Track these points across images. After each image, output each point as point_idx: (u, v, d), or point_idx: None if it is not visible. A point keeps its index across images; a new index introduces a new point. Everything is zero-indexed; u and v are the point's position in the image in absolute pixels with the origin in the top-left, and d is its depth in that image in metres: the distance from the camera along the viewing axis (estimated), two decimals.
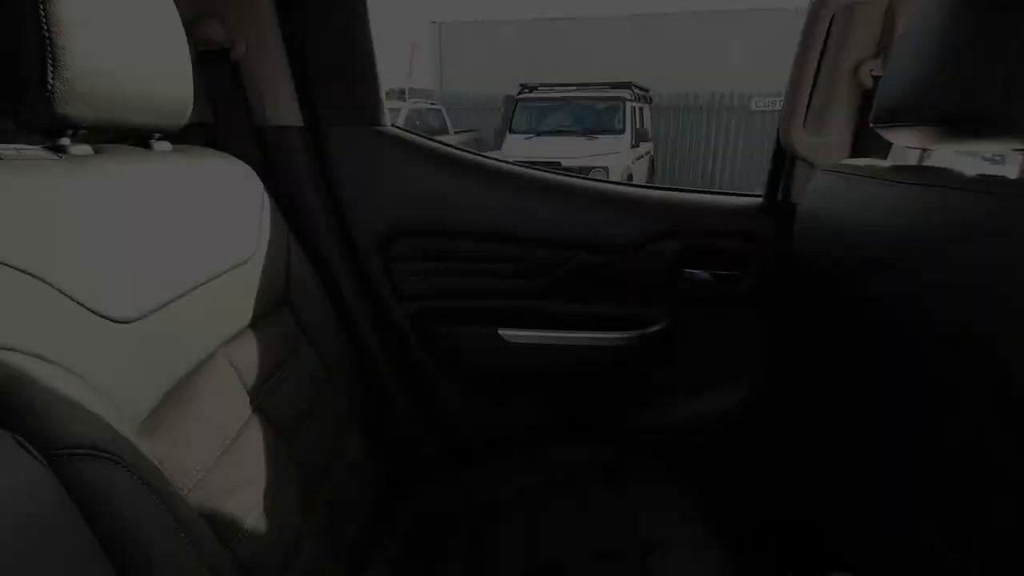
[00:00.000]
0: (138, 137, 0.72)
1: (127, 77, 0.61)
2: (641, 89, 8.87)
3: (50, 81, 0.54)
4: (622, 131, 7.41)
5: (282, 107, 1.02)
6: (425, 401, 1.19)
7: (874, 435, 0.77)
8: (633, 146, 7.48)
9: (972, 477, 0.58)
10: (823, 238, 0.81)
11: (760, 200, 1.14)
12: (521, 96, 8.18)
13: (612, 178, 6.42)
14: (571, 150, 6.80)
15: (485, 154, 1.18)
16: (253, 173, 0.88)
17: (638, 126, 7.93)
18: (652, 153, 9.22)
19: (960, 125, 0.57)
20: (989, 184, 0.57)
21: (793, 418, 1.12)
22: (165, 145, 0.75)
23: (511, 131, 7.93)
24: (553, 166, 6.26)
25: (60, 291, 0.49)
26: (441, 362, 1.18)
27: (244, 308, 0.77)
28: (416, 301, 1.16)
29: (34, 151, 0.57)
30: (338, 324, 1.01)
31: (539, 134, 7.74)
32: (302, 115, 1.04)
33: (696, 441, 1.18)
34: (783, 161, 1.09)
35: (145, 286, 0.59)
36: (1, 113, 0.56)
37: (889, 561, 0.78)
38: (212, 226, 0.73)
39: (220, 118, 0.95)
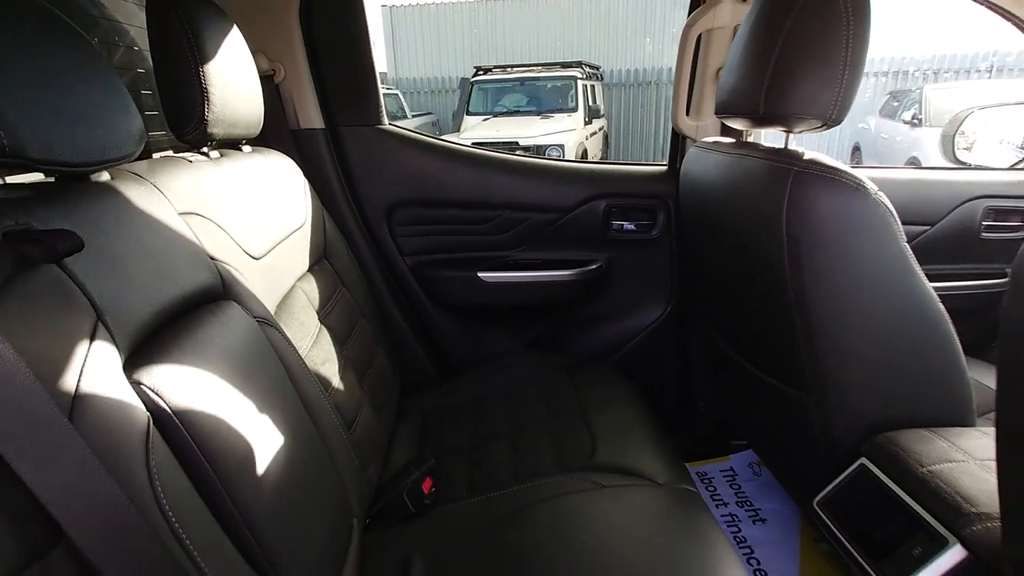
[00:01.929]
0: (234, 144, 1.08)
1: (236, 109, 0.97)
2: (591, 67, 9.18)
3: (205, 116, 0.90)
4: (575, 109, 7.73)
5: (309, 115, 1.38)
6: (424, 330, 1.58)
7: (737, 328, 1.19)
8: (587, 123, 7.78)
9: (786, 338, 0.97)
10: (692, 193, 1.22)
11: (665, 168, 1.55)
12: (476, 78, 8.40)
13: (568, 155, 6.80)
14: (527, 130, 7.10)
15: (444, 138, 1.56)
16: (295, 165, 1.24)
17: (591, 103, 8.21)
18: (606, 129, 9.58)
19: (751, 116, 0.96)
20: (762, 151, 0.98)
21: (696, 324, 1.55)
22: (248, 148, 1.11)
23: (468, 113, 8.18)
24: (511, 146, 6.63)
25: (227, 232, 0.87)
26: (435, 300, 1.57)
27: (303, 258, 1.14)
28: (415, 256, 1.54)
29: (196, 156, 0.93)
30: (359, 274, 1.38)
31: (496, 115, 8.03)
32: (323, 120, 1.40)
33: (629, 346, 1.60)
34: (677, 139, 1.50)
35: (258, 236, 0.96)
36: (175, 135, 0.91)
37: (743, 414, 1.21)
38: (281, 201, 1.10)
39: (267, 126, 1.31)
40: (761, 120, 0.94)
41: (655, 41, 10.47)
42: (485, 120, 7.85)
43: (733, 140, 1.20)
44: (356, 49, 1.39)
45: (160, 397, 0.57)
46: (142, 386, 0.56)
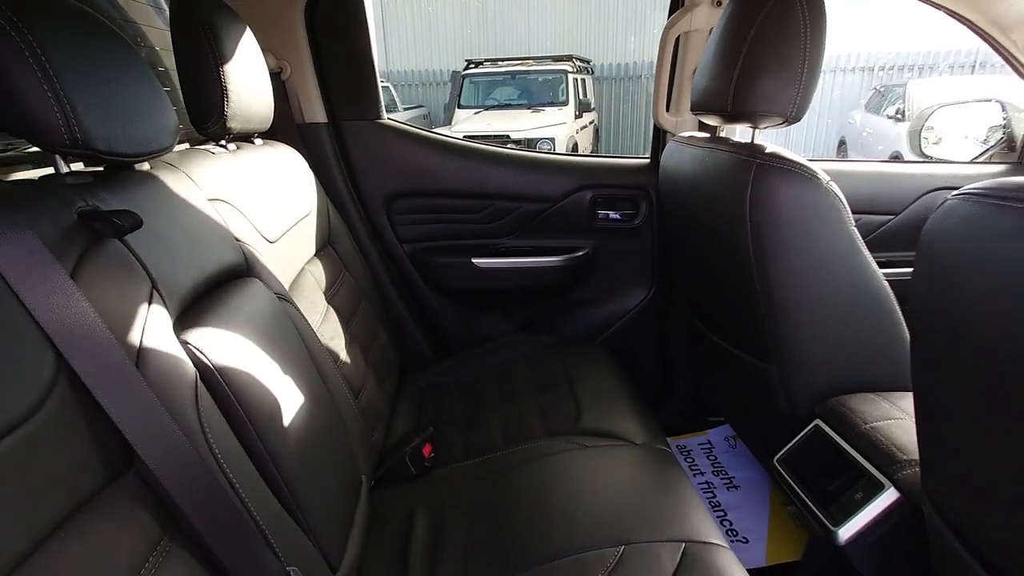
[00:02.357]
0: (247, 137, 1.17)
1: (250, 105, 1.06)
2: (582, 61, 9.26)
3: (225, 112, 0.99)
4: (566, 102, 7.81)
5: (313, 110, 1.47)
6: (422, 313, 1.67)
7: (710, 307, 1.30)
8: (577, 116, 7.86)
9: (752, 313, 1.07)
10: (670, 184, 1.32)
11: (647, 161, 1.65)
12: (467, 71, 8.46)
13: (559, 148, 6.88)
14: (518, 123, 7.18)
15: (437, 131, 1.66)
16: (301, 157, 1.33)
17: (581, 97, 8.28)
18: (596, 123, 9.67)
19: (721, 113, 1.06)
20: (730, 145, 1.08)
21: (675, 306, 1.66)
22: (259, 141, 1.20)
23: (460, 106, 8.23)
24: (502, 139, 6.71)
25: (247, 217, 0.96)
26: (432, 285, 1.66)
27: (311, 244, 1.24)
28: (412, 243, 1.63)
29: (216, 148, 1.02)
30: (361, 260, 1.48)
31: (487, 108, 8.09)
32: (326, 115, 1.49)
33: (614, 328, 1.71)
34: (658, 134, 1.60)
35: (273, 222, 1.05)
36: (197, 129, 1.00)
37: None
38: (290, 190, 1.19)
39: (275, 120, 1.40)
40: (730, 117, 1.05)
41: (639, 38, 10.53)
42: (476, 113, 7.91)
43: (708, 135, 1.30)
44: (357, 48, 1.47)
45: (204, 355, 0.66)
46: (189, 345, 0.65)
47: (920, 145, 2.16)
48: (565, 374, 1.38)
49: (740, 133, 1.37)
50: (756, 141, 1.07)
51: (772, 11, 0.94)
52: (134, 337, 0.59)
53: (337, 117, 1.51)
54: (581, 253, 1.66)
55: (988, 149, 1.84)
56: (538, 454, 1.07)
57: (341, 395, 1.02)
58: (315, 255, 1.25)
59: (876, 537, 0.86)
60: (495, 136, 6.86)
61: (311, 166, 1.35)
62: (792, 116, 0.99)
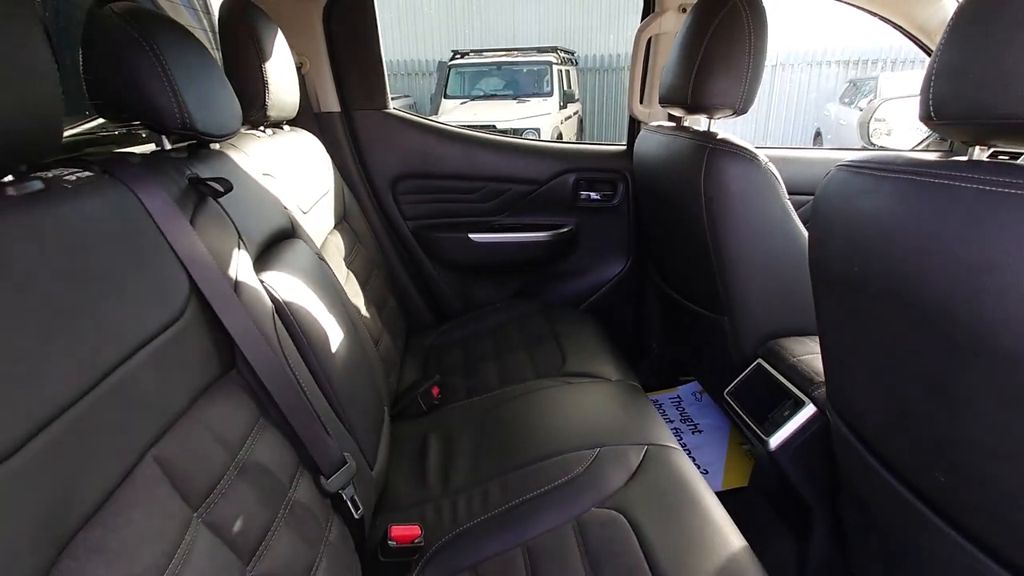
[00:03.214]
0: (278, 124, 1.35)
1: (284, 97, 1.25)
2: (566, 52, 9.41)
3: (266, 102, 1.17)
4: (551, 93, 7.96)
5: (328, 100, 1.65)
6: (424, 283, 1.88)
7: (675, 271, 1.52)
8: (562, 107, 8.03)
9: (707, 273, 1.30)
10: (642, 167, 1.53)
11: (624, 147, 1.86)
12: (454, 62, 8.57)
13: (544, 138, 7.07)
14: (504, 113, 7.33)
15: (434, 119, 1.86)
16: (319, 142, 1.51)
17: (566, 88, 8.43)
18: (580, 113, 9.86)
19: (683, 106, 1.27)
20: (690, 132, 1.29)
21: (648, 276, 1.88)
22: (287, 127, 1.39)
23: (446, 96, 8.36)
24: (489, 129, 6.85)
25: (287, 189, 1.15)
26: (433, 258, 1.86)
27: (330, 218, 1.43)
28: (416, 220, 1.83)
29: (258, 133, 1.21)
30: (371, 234, 1.67)
31: (473, 98, 8.23)
32: (340, 105, 1.67)
33: (595, 297, 1.92)
34: (633, 123, 1.81)
35: (304, 195, 1.25)
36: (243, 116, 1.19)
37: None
38: (313, 170, 1.38)
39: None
40: (690, 109, 1.26)
41: (619, 34, 10.71)
42: (463, 103, 8.02)
43: (674, 124, 1.51)
44: (367, 45, 1.66)
45: (275, 291, 0.86)
46: (265, 284, 0.85)
47: (869, 135, 2.41)
48: (552, 331, 1.59)
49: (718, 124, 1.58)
50: (712, 129, 1.28)
51: (723, 21, 1.15)
52: (231, 272, 0.78)
53: (349, 107, 1.70)
54: (565, 229, 1.87)
55: (926, 138, 2.09)
56: (529, 390, 1.29)
57: (366, 339, 1.22)
58: (334, 227, 1.44)
59: (798, 443, 1.08)
60: (481, 126, 7.01)
61: (327, 150, 1.54)
62: (740, 108, 1.20)
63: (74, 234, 0.55)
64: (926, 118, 0.62)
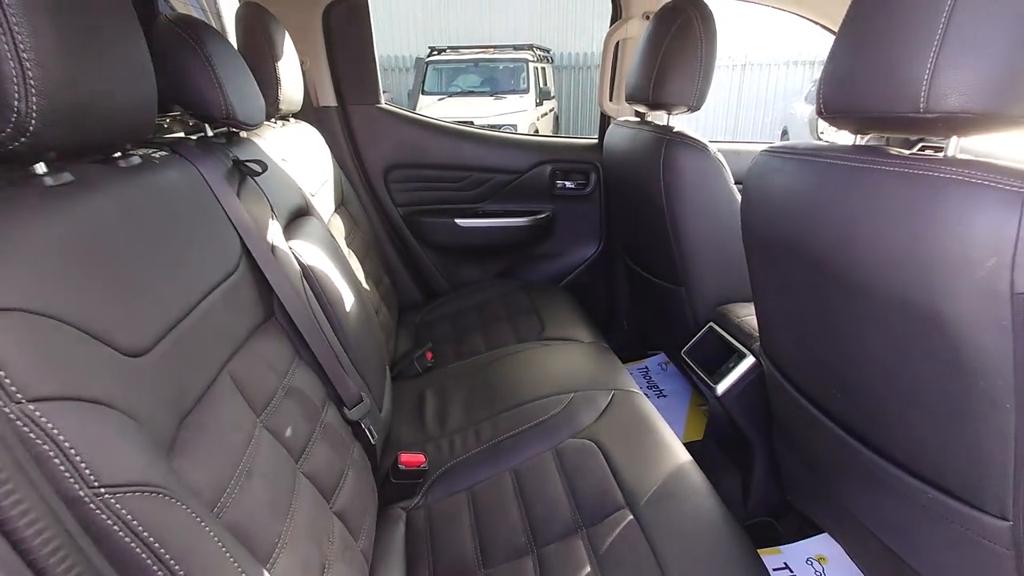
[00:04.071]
0: (285, 116, 1.50)
1: (292, 92, 1.40)
2: (542, 50, 9.58)
3: (279, 96, 1.33)
4: (527, 90, 8.13)
5: (326, 96, 1.81)
6: (414, 264, 2.04)
7: (639, 250, 1.71)
8: (538, 104, 8.22)
9: (666, 249, 1.49)
10: (611, 159, 1.72)
11: (595, 140, 2.05)
12: (431, 58, 8.68)
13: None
14: (481, 110, 7.48)
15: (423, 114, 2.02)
16: (318, 133, 1.67)
17: (542, 85, 8.60)
18: (556, 110, 10.04)
19: (645, 103, 1.45)
20: (652, 126, 1.48)
21: (619, 257, 2.07)
22: (292, 120, 1.54)
23: (424, 92, 8.47)
24: (465, 125, 7.00)
25: (298, 172, 1.31)
26: (422, 241, 2.03)
27: (331, 202, 1.58)
28: (406, 206, 2.00)
29: (271, 124, 1.36)
30: (366, 219, 1.83)
31: (450, 95, 8.36)
32: (336, 100, 1.83)
33: (570, 277, 2.11)
34: (603, 118, 2.00)
35: (311, 180, 1.40)
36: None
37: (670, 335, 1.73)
38: (316, 159, 1.53)
39: None
40: (652, 106, 1.45)
41: (591, 37, 10.91)
42: (440, 100, 8.13)
43: (639, 119, 1.70)
44: (362, 45, 1.82)
45: (301, 257, 1.02)
46: (292, 250, 1.01)
47: (817, 131, 2.64)
48: (532, 305, 1.77)
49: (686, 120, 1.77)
50: (670, 124, 1.47)
51: (678, 29, 1.34)
52: (269, 238, 0.94)
53: (345, 102, 1.86)
54: (543, 215, 2.05)
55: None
56: (512, 352, 1.47)
57: (370, 306, 1.38)
58: (334, 212, 1.60)
59: (740, 388, 1.28)
60: (459, 122, 7.14)
61: (326, 141, 1.70)
62: (694, 105, 1.39)
63: (166, 197, 0.71)
64: (820, 112, 0.81)
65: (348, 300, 1.14)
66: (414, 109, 8.13)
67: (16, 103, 0.47)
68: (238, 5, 1.38)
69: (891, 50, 0.65)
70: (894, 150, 0.74)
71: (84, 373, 0.47)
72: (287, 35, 1.40)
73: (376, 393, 1.15)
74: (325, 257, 1.12)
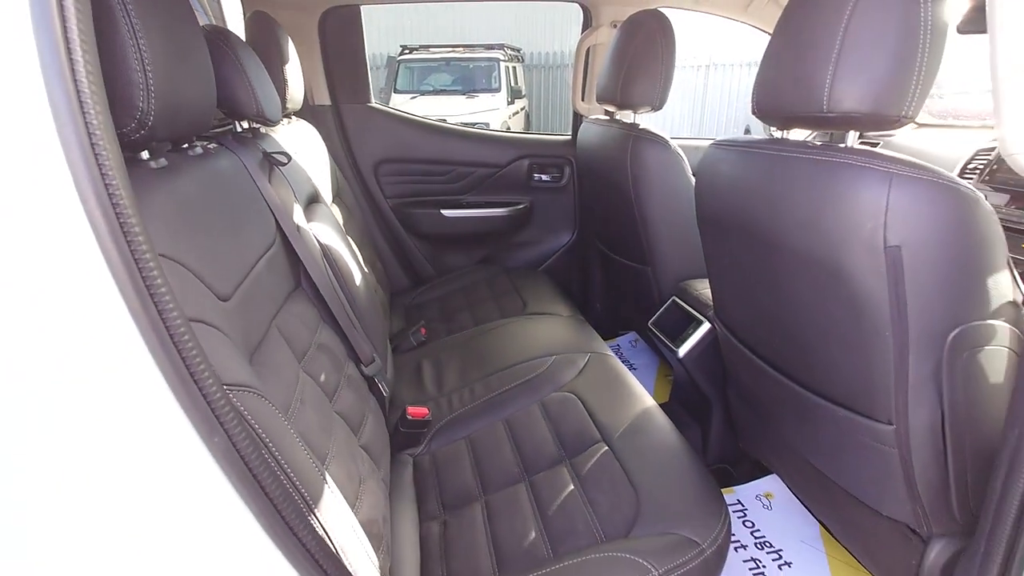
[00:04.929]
0: (288, 115, 1.64)
1: (296, 93, 1.54)
2: (513, 49, 9.74)
3: (286, 96, 1.47)
4: (498, 89, 8.27)
5: (321, 95, 1.95)
6: (403, 252, 2.20)
7: (609, 236, 1.90)
8: (509, 103, 8.38)
9: (634, 234, 1.68)
10: (583, 153, 1.90)
11: (569, 137, 2.23)
12: (402, 57, 8.76)
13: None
14: (453, 108, 7.60)
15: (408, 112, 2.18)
16: (315, 131, 1.81)
17: (513, 84, 8.76)
18: (527, 109, 10.22)
19: (613, 103, 1.64)
20: (620, 124, 1.67)
21: (591, 244, 2.26)
22: (294, 118, 1.68)
23: (396, 91, 8.55)
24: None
25: (305, 163, 1.46)
26: (410, 230, 2.18)
27: (329, 192, 1.73)
28: (396, 198, 2.15)
29: (281, 124, 1.51)
30: (359, 210, 1.98)
31: (422, 93, 8.45)
32: (330, 99, 1.97)
33: (548, 263, 2.29)
34: (576, 117, 2.18)
35: (315, 169, 1.55)
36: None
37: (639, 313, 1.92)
38: (314, 153, 1.68)
39: None
40: (620, 105, 1.63)
41: (562, 39, 11.11)
42: (413, 99, 8.20)
43: (608, 118, 1.89)
44: (354, 49, 1.97)
45: (319, 237, 1.17)
46: (311, 231, 1.16)
47: (769, 130, 2.86)
48: (514, 286, 1.94)
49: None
50: (636, 121, 1.66)
51: (642, 37, 1.53)
52: (295, 219, 1.09)
53: (338, 101, 2.00)
54: (521, 206, 2.22)
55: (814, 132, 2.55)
56: (498, 325, 1.64)
57: (371, 283, 1.54)
58: (331, 202, 1.75)
59: (699, 351, 1.48)
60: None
61: (321, 137, 1.84)
62: (657, 105, 1.58)
63: (223, 181, 0.86)
64: (754, 112, 1.00)
65: (357, 276, 1.30)
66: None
67: (140, 104, 0.63)
68: (243, 13, 1.52)
69: (803, 63, 0.85)
70: (808, 142, 0.94)
71: (200, 304, 0.62)
72: (290, 41, 1.54)
73: (382, 360, 1.31)
74: (337, 238, 1.28)
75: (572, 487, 1.02)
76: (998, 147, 0.70)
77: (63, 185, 0.40)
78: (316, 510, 0.61)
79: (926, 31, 0.75)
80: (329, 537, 0.61)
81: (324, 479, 0.69)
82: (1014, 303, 0.79)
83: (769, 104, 0.94)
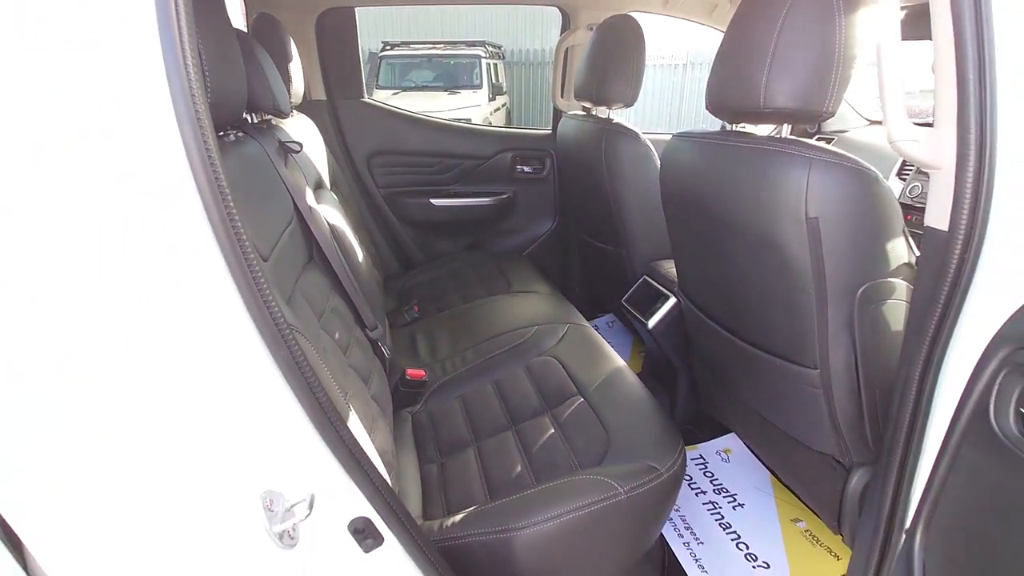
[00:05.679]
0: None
1: (298, 88, 1.68)
2: (494, 46, 9.85)
3: (289, 91, 1.61)
4: (480, 86, 8.39)
5: (318, 91, 2.08)
6: (394, 239, 2.34)
7: (586, 221, 2.07)
8: (491, 99, 8.51)
9: (607, 218, 1.85)
10: (562, 147, 2.06)
11: (550, 131, 2.39)
12: (384, 53, 8.82)
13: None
14: (435, 104, 7.69)
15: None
16: (313, 124, 1.95)
17: (494, 81, 8.88)
18: (508, 105, 10.34)
19: (590, 99, 1.80)
20: (595, 119, 1.83)
21: (570, 231, 2.43)
22: (295, 111, 1.82)
23: (378, 87, 8.63)
24: None
25: (312, 151, 1.60)
26: (401, 218, 2.33)
27: (327, 180, 1.86)
28: (387, 188, 2.29)
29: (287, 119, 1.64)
30: (354, 198, 2.11)
31: (404, 89, 8.53)
32: (326, 94, 2.10)
33: (530, 249, 2.45)
34: (556, 112, 2.34)
35: (317, 158, 1.69)
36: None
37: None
38: (315, 144, 1.81)
39: None
40: (595, 102, 1.80)
41: (540, 38, 11.25)
42: (395, 94, 8.28)
43: (585, 113, 2.05)
44: (348, 48, 2.10)
45: (328, 218, 1.32)
46: (320, 213, 1.31)
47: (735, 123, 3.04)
48: (499, 269, 2.10)
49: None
50: (611, 116, 1.83)
51: (615, 40, 1.69)
52: (307, 201, 1.24)
53: (333, 96, 2.13)
54: (505, 196, 2.38)
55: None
56: (486, 301, 1.80)
57: (370, 262, 1.68)
58: (329, 188, 1.88)
59: (666, 322, 1.65)
60: None
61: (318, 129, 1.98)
62: (629, 101, 1.74)
63: (254, 163, 1.00)
64: (708, 108, 1.17)
65: (359, 254, 1.45)
66: None
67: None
68: (246, 14, 1.65)
69: (745, 66, 1.01)
70: (750, 133, 1.11)
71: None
72: (291, 40, 1.67)
73: (382, 328, 1.46)
74: (341, 220, 1.42)
75: (553, 431, 1.18)
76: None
77: (178, 156, 0.54)
78: (348, 422, 0.76)
79: (840, 40, 0.92)
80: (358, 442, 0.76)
81: (349, 407, 0.84)
82: (909, 264, 0.97)
83: (719, 101, 1.10)
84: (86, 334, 0.52)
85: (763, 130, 1.18)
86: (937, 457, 0.77)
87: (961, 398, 0.71)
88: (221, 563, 0.62)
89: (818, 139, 2.64)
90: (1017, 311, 0.64)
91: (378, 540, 0.72)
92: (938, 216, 0.74)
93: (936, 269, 0.73)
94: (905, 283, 0.97)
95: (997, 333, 0.66)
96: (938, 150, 0.74)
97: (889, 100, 0.78)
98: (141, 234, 0.53)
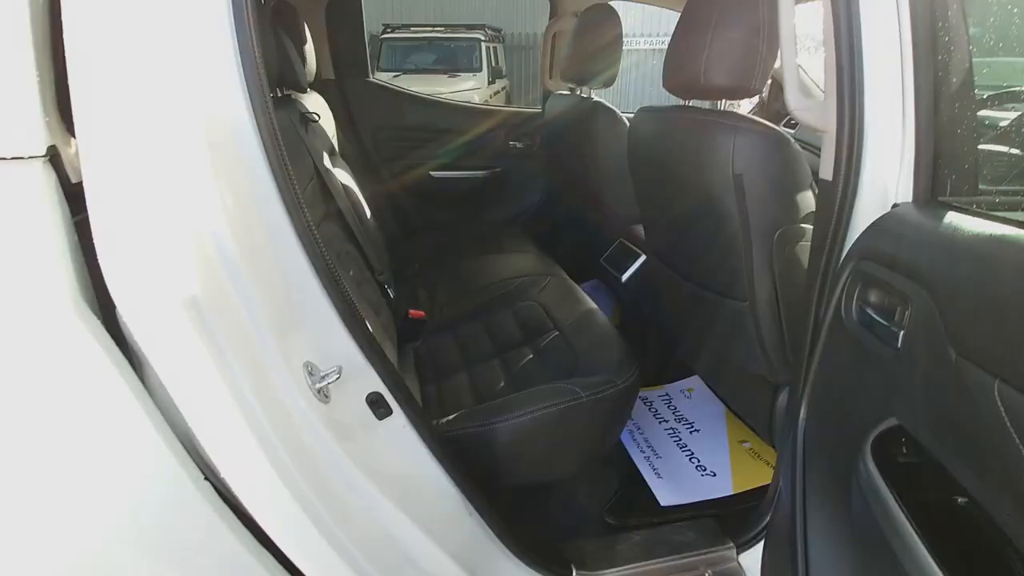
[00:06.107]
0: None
1: (312, 66, 1.88)
2: (493, 30, 9.96)
3: (305, 70, 1.82)
4: (480, 69, 8.54)
5: (327, 70, 2.28)
6: (395, 207, 2.56)
7: (573, 191, 2.28)
8: (490, 83, 8.66)
9: (587, 178, 2.07)
10: (551, 124, 2.27)
11: (540, 110, 2.60)
12: (385, 35, 8.94)
13: None
14: (436, 87, 7.86)
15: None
16: (324, 101, 2.15)
17: (493, 64, 9.03)
18: (508, 89, 10.48)
19: (575, 80, 2.01)
20: (578, 98, 2.04)
21: (560, 200, 2.65)
22: (309, 91, 2.02)
23: (379, 69, 8.76)
24: None
25: (328, 125, 1.81)
26: (402, 188, 2.54)
27: (336, 151, 2.08)
28: (392, 161, 2.50)
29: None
30: (359, 169, 2.33)
31: (405, 72, 8.67)
32: (335, 74, 2.31)
33: (522, 219, 2.67)
34: (546, 92, 2.55)
35: (329, 131, 1.90)
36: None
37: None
38: (326, 119, 2.02)
39: None
40: (578, 83, 2.01)
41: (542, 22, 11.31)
42: (395, 77, 8.42)
43: (570, 92, 2.26)
44: (355, 31, 2.31)
45: (341, 179, 1.53)
46: (336, 174, 1.52)
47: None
48: (492, 234, 2.32)
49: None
50: (592, 95, 2.03)
51: (595, 26, 1.89)
52: (324, 164, 1.45)
53: (341, 75, 2.34)
54: (499, 168, 2.60)
55: (752, 108, 2.94)
56: (479, 259, 2.02)
57: (375, 221, 1.90)
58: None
59: (637, 279, 1.87)
60: None
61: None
62: (608, 82, 1.95)
63: (283, 127, 1.22)
64: (664, 85, 1.38)
65: (367, 212, 1.67)
66: None
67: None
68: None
69: (692, 48, 1.22)
70: (698, 107, 1.32)
71: None
72: (305, 24, 1.88)
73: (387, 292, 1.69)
74: (351, 182, 1.64)
75: (531, 356, 1.41)
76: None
77: (246, 119, 0.76)
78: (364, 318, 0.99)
79: (763, 26, 1.13)
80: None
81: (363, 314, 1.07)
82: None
83: (672, 79, 1.32)
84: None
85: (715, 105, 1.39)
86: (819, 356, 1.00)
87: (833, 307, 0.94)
88: (282, 404, 0.85)
89: (787, 122, 2.86)
90: (862, 233, 0.87)
91: (388, 411, 0.95)
92: (826, 170, 0.96)
93: (825, 213, 0.94)
94: (812, 228, 1.19)
95: (849, 250, 0.88)
96: (826, 117, 0.96)
97: (788, 75, 0.99)
98: (220, 163, 0.75)
